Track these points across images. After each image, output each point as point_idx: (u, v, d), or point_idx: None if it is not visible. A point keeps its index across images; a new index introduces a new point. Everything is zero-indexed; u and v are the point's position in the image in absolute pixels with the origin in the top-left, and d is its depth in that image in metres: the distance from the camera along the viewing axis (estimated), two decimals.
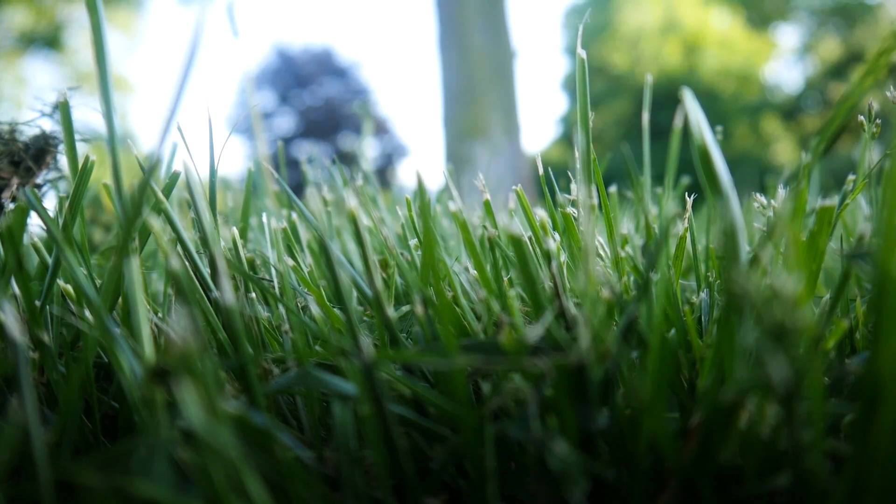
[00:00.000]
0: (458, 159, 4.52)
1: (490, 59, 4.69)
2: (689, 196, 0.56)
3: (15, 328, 0.28)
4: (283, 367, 0.43)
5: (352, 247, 0.81)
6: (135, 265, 0.32)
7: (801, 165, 0.43)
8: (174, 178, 0.47)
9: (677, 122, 0.38)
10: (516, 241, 0.37)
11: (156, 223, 0.34)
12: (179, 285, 0.33)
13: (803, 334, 0.26)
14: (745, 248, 0.33)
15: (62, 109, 0.52)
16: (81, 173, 0.45)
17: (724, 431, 0.31)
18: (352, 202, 0.38)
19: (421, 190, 0.39)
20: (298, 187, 1.24)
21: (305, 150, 14.42)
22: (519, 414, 0.37)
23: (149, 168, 0.33)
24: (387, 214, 0.86)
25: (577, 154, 0.45)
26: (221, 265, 0.33)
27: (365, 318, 0.62)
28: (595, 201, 0.45)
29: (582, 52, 0.47)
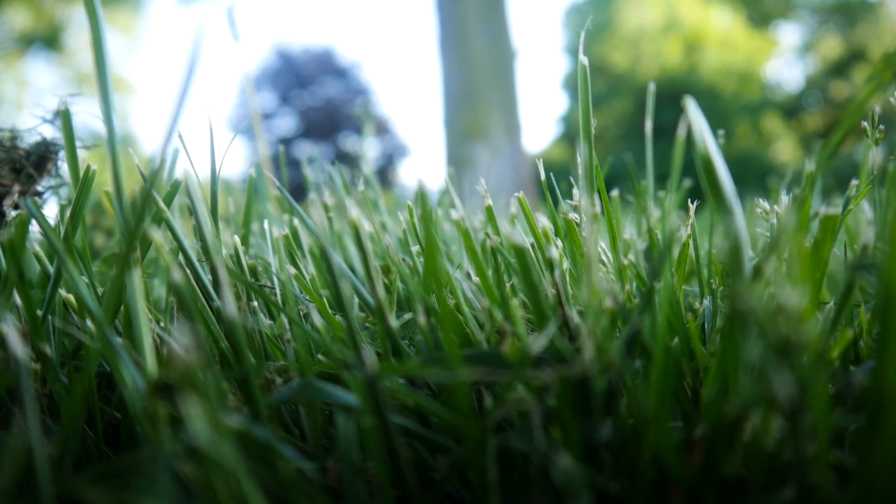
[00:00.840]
0: (459, 160, 4.52)
1: (490, 59, 4.68)
2: (692, 200, 0.56)
3: (17, 345, 0.28)
4: (286, 377, 0.43)
5: (353, 250, 0.81)
6: (137, 278, 0.32)
7: (804, 173, 0.43)
8: (175, 186, 0.47)
9: (681, 132, 0.38)
10: (519, 251, 0.37)
11: (157, 235, 0.34)
12: (181, 297, 0.33)
13: (808, 348, 0.26)
14: (748, 254, 0.33)
15: (63, 118, 0.52)
16: (82, 184, 0.45)
17: (728, 444, 0.31)
18: (354, 212, 0.38)
19: (423, 201, 0.39)
20: (299, 187, 1.24)
21: (306, 151, 14.43)
22: (522, 425, 0.36)
23: (150, 178, 0.33)
24: (388, 218, 0.86)
25: (579, 161, 0.45)
26: (223, 277, 0.33)
27: (367, 325, 0.62)
28: (598, 209, 0.45)
29: (584, 59, 0.47)
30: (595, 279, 0.34)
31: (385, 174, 14.31)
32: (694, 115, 0.35)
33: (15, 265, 0.33)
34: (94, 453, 0.43)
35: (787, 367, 0.25)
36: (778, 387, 0.25)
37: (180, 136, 0.50)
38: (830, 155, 0.33)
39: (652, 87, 0.56)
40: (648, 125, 0.57)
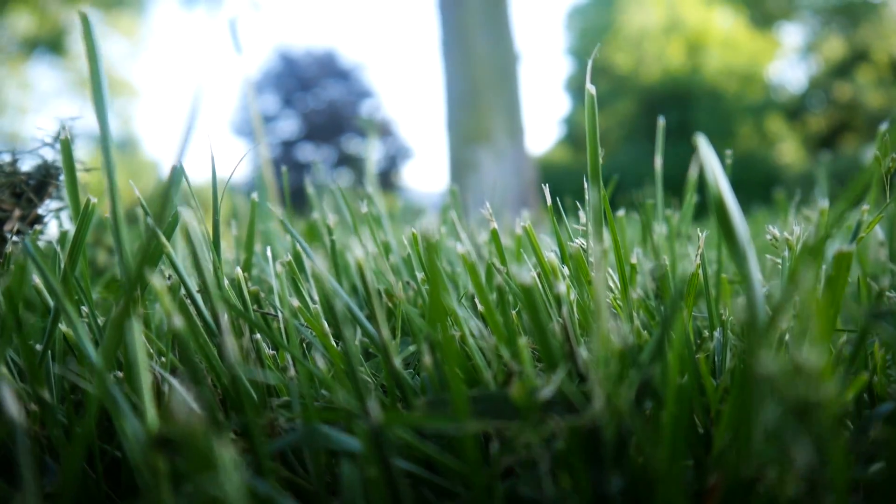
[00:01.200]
0: (462, 163, 4.52)
1: (493, 62, 4.68)
2: (698, 215, 0.55)
3: (12, 405, 0.28)
4: (291, 415, 0.43)
5: (355, 259, 0.81)
6: (138, 332, 0.31)
7: (809, 179, 0.42)
8: (175, 220, 0.47)
9: (692, 173, 0.37)
10: (527, 291, 0.36)
11: (158, 280, 0.33)
12: (183, 346, 0.32)
13: (827, 409, 0.25)
14: (757, 276, 0.32)
15: (63, 147, 0.51)
16: (82, 218, 0.44)
17: (743, 499, 0.30)
18: (359, 252, 0.37)
19: (431, 258, 0.38)
20: (300, 190, 1.23)
21: (309, 153, 14.46)
22: (530, 471, 0.36)
23: (153, 211, 0.33)
24: (392, 237, 0.85)
25: (588, 201, 0.44)
26: (225, 325, 0.32)
27: (371, 351, 0.62)
28: (606, 244, 0.44)
29: (591, 88, 0.46)
30: (604, 328, 0.33)
31: (388, 176, 14.33)
32: (706, 154, 0.34)
33: (13, 313, 0.32)
34: (95, 493, 0.43)
35: (805, 430, 0.24)
36: (797, 451, 0.24)
37: (182, 168, 0.49)
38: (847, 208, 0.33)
39: (662, 122, 0.55)
40: (658, 161, 0.56)
